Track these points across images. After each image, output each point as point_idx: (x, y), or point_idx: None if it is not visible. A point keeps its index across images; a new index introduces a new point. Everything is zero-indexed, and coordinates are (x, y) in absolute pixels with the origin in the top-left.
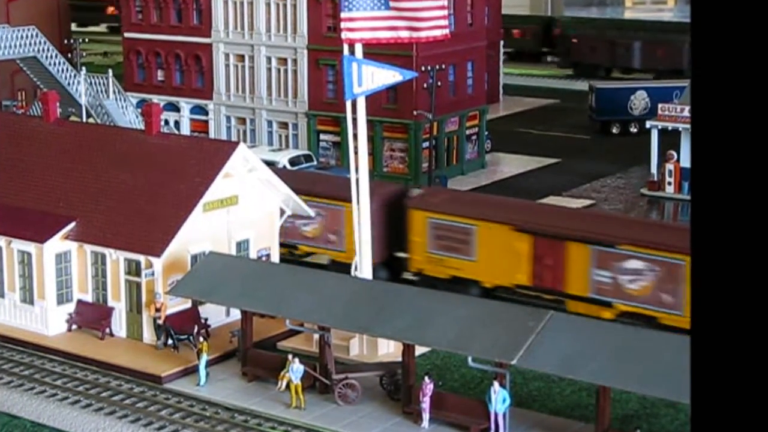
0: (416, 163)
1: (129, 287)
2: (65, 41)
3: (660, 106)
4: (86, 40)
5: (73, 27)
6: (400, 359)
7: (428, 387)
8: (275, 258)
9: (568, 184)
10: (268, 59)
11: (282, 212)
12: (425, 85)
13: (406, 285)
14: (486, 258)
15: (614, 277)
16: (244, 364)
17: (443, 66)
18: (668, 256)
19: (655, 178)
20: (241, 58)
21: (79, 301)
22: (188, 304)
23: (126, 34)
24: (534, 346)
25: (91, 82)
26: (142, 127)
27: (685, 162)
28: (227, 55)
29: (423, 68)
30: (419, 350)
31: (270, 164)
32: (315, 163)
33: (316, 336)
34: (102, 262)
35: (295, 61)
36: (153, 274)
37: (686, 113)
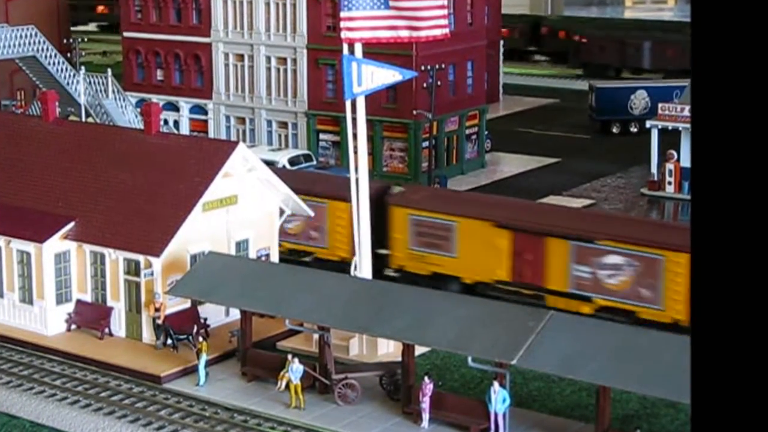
0: (416, 162)
1: (128, 287)
2: (64, 41)
3: (660, 105)
4: (85, 39)
5: None
6: (399, 359)
7: (428, 387)
8: (275, 258)
9: (568, 183)
10: (268, 59)
11: (282, 212)
12: (425, 85)
13: (405, 285)
14: (466, 254)
15: (593, 273)
16: (243, 364)
17: (443, 65)
18: (647, 251)
19: (656, 178)
20: (241, 57)
21: (79, 301)
22: (187, 304)
23: (125, 34)
24: (534, 346)
25: (90, 82)
26: (142, 127)
27: (686, 162)
28: (227, 55)
29: (423, 68)
30: (419, 350)
31: (269, 164)
32: (314, 162)
33: (316, 336)
34: (101, 261)
35: (294, 60)
36: (152, 273)
37: (686, 113)
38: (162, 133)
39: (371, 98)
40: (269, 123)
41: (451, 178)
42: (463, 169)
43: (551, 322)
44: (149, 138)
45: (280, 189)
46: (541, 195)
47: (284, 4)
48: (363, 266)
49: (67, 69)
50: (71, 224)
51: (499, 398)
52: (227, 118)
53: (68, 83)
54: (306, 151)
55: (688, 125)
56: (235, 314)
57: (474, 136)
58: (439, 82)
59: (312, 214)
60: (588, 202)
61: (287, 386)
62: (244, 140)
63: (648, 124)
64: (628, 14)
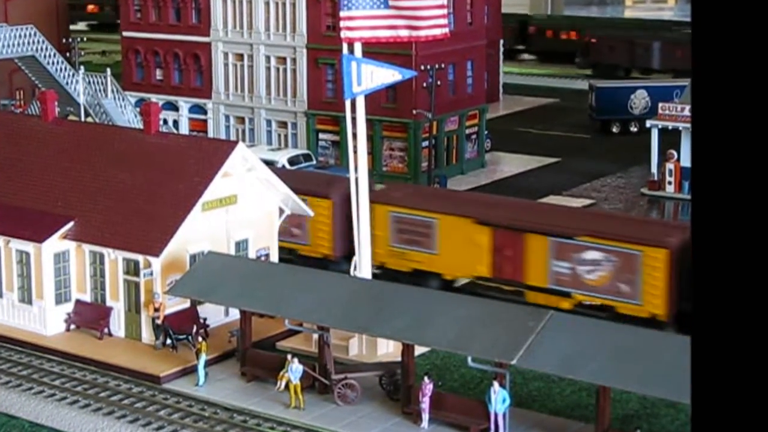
0: (416, 162)
1: (127, 287)
2: (63, 40)
3: (660, 105)
4: (84, 39)
5: None
6: (399, 359)
7: (428, 387)
8: (274, 258)
9: (568, 183)
10: (267, 58)
11: (281, 212)
12: (425, 84)
13: (405, 285)
14: (447, 251)
15: (573, 268)
16: (243, 364)
17: (443, 65)
18: (625, 246)
19: (656, 178)
20: (240, 57)
21: (78, 301)
22: (187, 304)
23: (124, 33)
24: (534, 346)
25: (89, 81)
26: (141, 127)
27: (686, 161)
28: (226, 54)
29: (422, 67)
30: (419, 350)
31: (269, 163)
32: (314, 162)
33: (316, 336)
34: (100, 261)
35: (294, 60)
36: (151, 273)
37: (686, 112)
38: (161, 133)
39: (371, 98)
40: (269, 123)
41: (451, 178)
42: (462, 169)
43: (551, 322)
44: (148, 138)
45: (279, 189)
46: (541, 195)
47: (284, 4)
48: (363, 266)
49: (66, 68)
50: (70, 224)
51: (499, 398)
52: (227, 117)
53: (67, 83)
54: (305, 151)
55: (689, 125)
56: (235, 314)
57: (474, 136)
58: (438, 82)
59: (311, 213)
60: (588, 201)
61: (287, 386)
62: (243, 140)
63: (648, 123)
64: (629, 14)
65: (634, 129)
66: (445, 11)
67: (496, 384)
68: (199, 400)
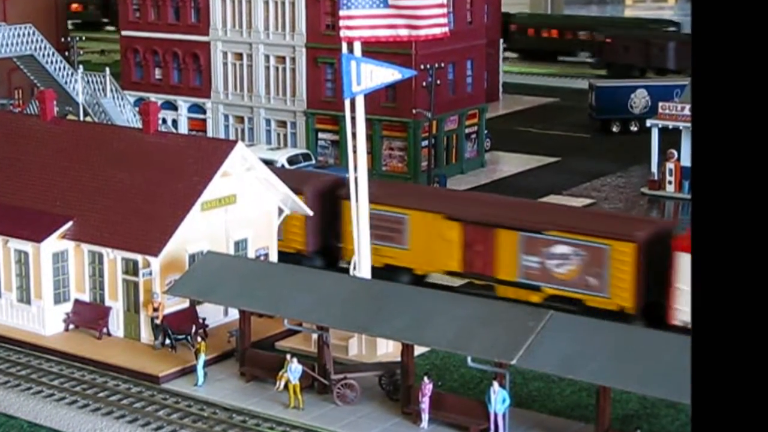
0: (415, 161)
1: (126, 287)
2: (62, 39)
3: (660, 104)
4: (83, 38)
5: None
6: (399, 359)
7: (427, 387)
8: (274, 257)
9: (568, 182)
10: (267, 57)
11: (280, 211)
12: (424, 84)
13: (405, 285)
14: (418, 246)
15: (542, 262)
16: (242, 364)
17: (442, 64)
18: (593, 240)
19: (656, 177)
20: (239, 56)
21: (77, 301)
22: (186, 304)
23: (123, 32)
24: (534, 346)
25: (88, 81)
26: (140, 126)
27: (686, 161)
28: (225, 54)
29: (422, 66)
30: (418, 350)
31: (268, 163)
32: (313, 161)
33: (315, 336)
34: (99, 261)
35: (293, 59)
36: (150, 273)
37: (687, 112)
38: (160, 132)
39: (370, 97)
40: (268, 122)
41: (451, 178)
42: (462, 169)
43: (551, 322)
44: (147, 137)
45: (279, 188)
46: (541, 194)
47: (283, 3)
48: (362, 266)
49: (65, 68)
50: (69, 224)
51: (498, 398)
52: (226, 117)
53: (66, 82)
54: (305, 150)
55: (689, 124)
56: (234, 314)
57: (473, 135)
58: (438, 81)
59: (311, 213)
60: (588, 201)
61: (286, 386)
62: (242, 139)
63: (648, 123)
64: (629, 13)
65: (634, 128)
66: (444, 10)
67: (495, 384)
68: (198, 400)
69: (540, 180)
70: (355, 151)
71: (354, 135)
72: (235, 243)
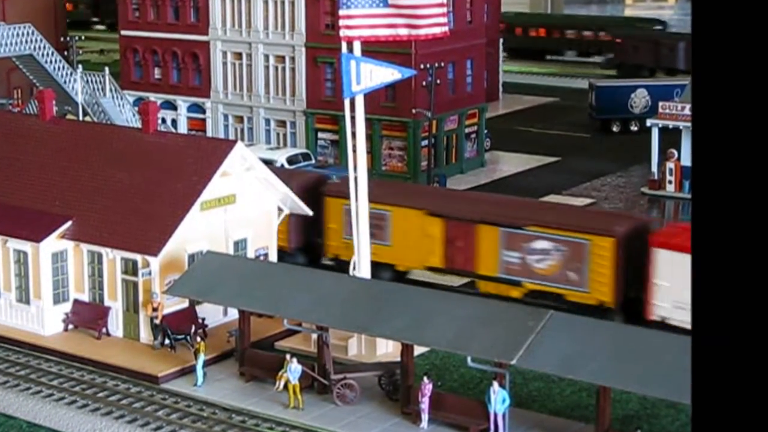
0: (415, 161)
1: (126, 287)
2: (61, 39)
3: (660, 104)
4: (82, 37)
5: None
6: (398, 359)
7: (427, 387)
8: (273, 257)
9: (568, 182)
10: (266, 57)
11: (280, 211)
12: (424, 83)
13: (405, 284)
14: (400, 242)
15: (522, 258)
16: (241, 364)
17: (442, 64)
18: (573, 236)
19: (656, 177)
20: (239, 55)
21: (76, 301)
22: (185, 304)
23: (123, 32)
24: (534, 346)
25: (87, 80)
26: (139, 126)
27: (686, 160)
28: (225, 53)
29: (422, 66)
30: (418, 350)
31: (268, 163)
32: (313, 161)
33: (315, 336)
34: (98, 261)
35: (293, 59)
36: (150, 273)
37: (687, 111)
38: (160, 132)
39: (370, 97)
40: (267, 122)
41: (451, 177)
42: (462, 168)
43: (551, 322)
44: (147, 137)
45: (278, 188)
46: (541, 194)
47: (282, 2)
48: (362, 266)
49: (64, 67)
50: (68, 223)
51: (498, 398)
52: (225, 116)
53: (65, 82)
54: (304, 150)
55: (689, 124)
56: (233, 314)
57: (473, 135)
58: (438, 81)
59: (310, 213)
60: (588, 201)
61: (286, 386)
62: (242, 139)
63: (648, 122)
64: (629, 12)
65: (634, 128)
66: (444, 10)
67: (495, 384)
68: (197, 400)
69: (540, 180)
70: (354, 151)
71: (354, 135)
72: (234, 243)
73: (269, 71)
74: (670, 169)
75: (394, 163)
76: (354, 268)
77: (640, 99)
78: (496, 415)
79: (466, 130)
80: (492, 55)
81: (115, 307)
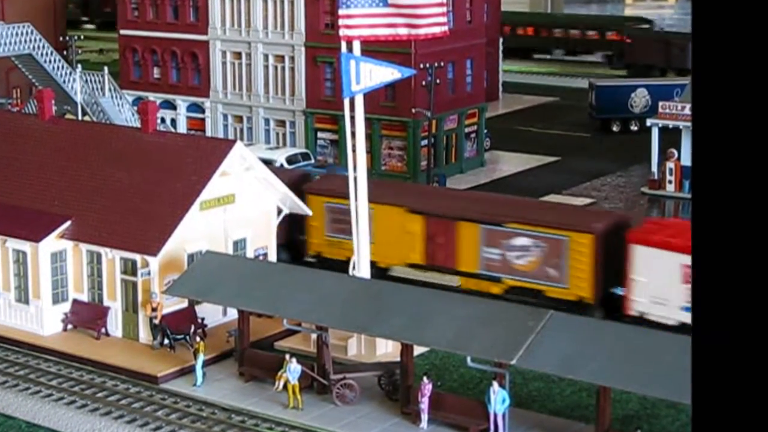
0: (415, 161)
1: (125, 286)
2: (61, 38)
3: (660, 104)
4: (81, 37)
5: None
6: (398, 359)
7: (427, 387)
8: (272, 257)
9: (568, 182)
10: (265, 56)
11: (279, 211)
12: (424, 83)
13: (404, 284)
14: (381, 239)
15: (502, 254)
16: (241, 364)
17: (442, 63)
18: (552, 232)
19: (656, 177)
20: (238, 55)
21: (75, 301)
22: (185, 304)
23: (122, 32)
24: (534, 346)
25: (86, 80)
26: (138, 125)
27: (686, 160)
28: (224, 53)
29: (421, 66)
30: (418, 350)
31: (267, 162)
32: (312, 161)
33: (314, 336)
34: (98, 261)
35: (292, 58)
36: (149, 273)
37: (687, 111)
38: (159, 132)
39: (370, 96)
40: (267, 121)
41: (450, 177)
42: (462, 168)
43: (551, 322)
44: (146, 136)
45: (278, 188)
46: (541, 194)
47: (282, 2)
48: (361, 266)
49: (63, 67)
50: (67, 223)
51: (498, 398)
52: (224, 116)
53: (64, 81)
54: (304, 150)
55: (689, 123)
56: (233, 314)
57: (473, 135)
58: (438, 80)
59: (310, 213)
60: (588, 200)
61: (285, 386)
62: (241, 139)
63: (648, 122)
64: (629, 12)
65: (634, 128)
66: (444, 9)
67: (495, 384)
68: (196, 400)
69: (540, 179)
70: (354, 151)
71: (353, 134)
72: (233, 242)
73: (269, 71)
74: (670, 169)
75: (394, 162)
76: (354, 268)
77: (640, 98)
78: (495, 415)
79: (466, 130)
80: (492, 54)
81: (115, 307)
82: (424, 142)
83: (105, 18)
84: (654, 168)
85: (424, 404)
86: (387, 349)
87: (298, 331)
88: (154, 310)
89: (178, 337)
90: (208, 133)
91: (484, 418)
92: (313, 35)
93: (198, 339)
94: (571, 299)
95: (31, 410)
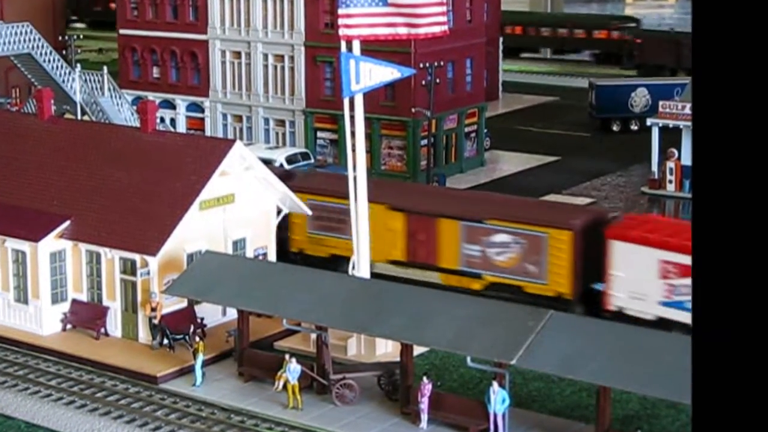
0: (415, 160)
1: (124, 286)
2: (60, 38)
3: (661, 103)
4: (81, 36)
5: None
6: (398, 359)
7: (427, 387)
8: (272, 257)
9: (568, 182)
10: (265, 56)
11: (279, 211)
12: (423, 83)
13: (404, 284)
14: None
15: (483, 251)
16: (240, 364)
17: (442, 63)
18: (532, 229)
19: (656, 176)
20: (238, 54)
21: (74, 301)
22: (184, 304)
23: (121, 31)
24: (533, 346)
25: (86, 79)
26: (138, 125)
27: (686, 160)
28: (223, 52)
29: (421, 65)
30: (418, 350)
31: (267, 162)
32: (312, 161)
33: (314, 336)
34: (97, 261)
35: (292, 58)
36: (148, 273)
37: (687, 111)
38: (158, 131)
39: (369, 96)
40: (266, 121)
41: (450, 177)
42: (462, 168)
43: (551, 321)
44: (145, 136)
45: (277, 187)
46: (541, 193)
47: (281, 1)
48: (361, 266)
49: (62, 66)
50: (67, 223)
51: (498, 398)
52: (224, 116)
53: (64, 81)
54: (304, 150)
55: (689, 123)
56: (232, 314)
57: (473, 134)
58: (437, 80)
59: (310, 212)
60: (588, 200)
61: (285, 386)
62: (241, 138)
63: (649, 122)
64: (629, 11)
65: (634, 127)
66: (444, 9)
67: (495, 384)
68: (196, 400)
69: (540, 179)
70: (354, 150)
71: (353, 134)
72: (233, 242)
73: (268, 70)
74: (671, 169)
75: (394, 162)
76: (353, 268)
77: (640, 98)
78: (495, 415)
79: (466, 130)
80: (492, 54)
81: (114, 306)
82: (424, 141)
83: (95, 17)
84: (654, 167)
85: (424, 404)
86: (387, 349)
87: (297, 331)
88: (153, 310)
89: (178, 337)
90: (208, 133)
91: (484, 418)
92: (312, 35)
93: (197, 339)
94: (550, 295)
95: (30, 410)
